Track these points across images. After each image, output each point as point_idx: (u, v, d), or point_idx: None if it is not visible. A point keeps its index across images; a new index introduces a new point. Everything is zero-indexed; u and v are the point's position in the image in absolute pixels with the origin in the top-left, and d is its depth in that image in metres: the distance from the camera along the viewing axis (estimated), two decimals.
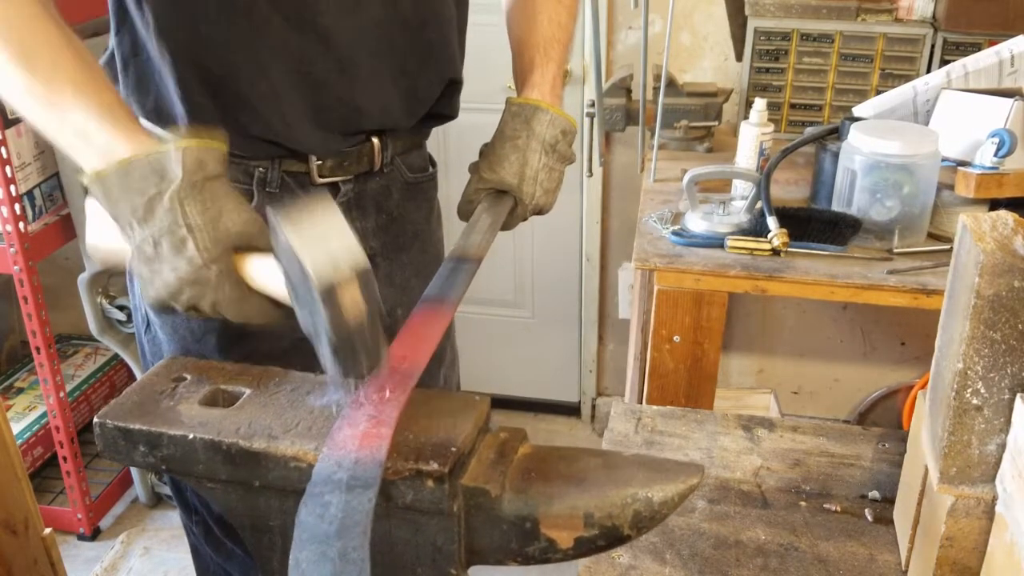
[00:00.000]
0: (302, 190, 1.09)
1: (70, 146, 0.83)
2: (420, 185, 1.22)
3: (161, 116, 1.03)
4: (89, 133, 0.81)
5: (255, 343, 1.10)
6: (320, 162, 1.07)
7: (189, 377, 0.77)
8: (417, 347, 0.76)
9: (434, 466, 0.63)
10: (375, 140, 1.11)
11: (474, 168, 1.14)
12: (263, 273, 0.80)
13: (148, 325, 1.16)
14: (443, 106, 1.17)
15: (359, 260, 0.70)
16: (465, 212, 1.13)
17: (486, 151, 1.14)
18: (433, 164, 1.27)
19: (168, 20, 0.97)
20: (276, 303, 0.81)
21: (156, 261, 0.80)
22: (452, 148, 2.38)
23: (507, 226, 1.12)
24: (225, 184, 0.84)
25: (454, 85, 1.16)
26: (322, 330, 0.70)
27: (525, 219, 1.16)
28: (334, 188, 1.11)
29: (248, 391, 0.74)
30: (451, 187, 1.38)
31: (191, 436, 0.68)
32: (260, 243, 0.82)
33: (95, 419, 0.72)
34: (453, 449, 0.64)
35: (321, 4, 0.99)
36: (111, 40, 1.04)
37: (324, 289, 0.68)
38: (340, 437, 0.65)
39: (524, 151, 1.11)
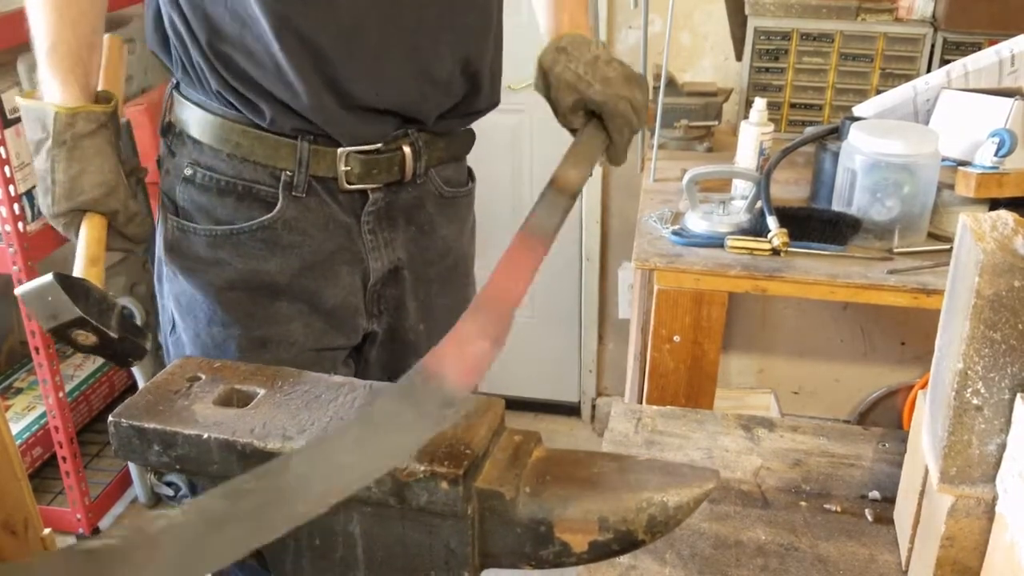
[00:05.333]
0: (329, 196, 1.08)
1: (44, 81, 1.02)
2: (456, 200, 1.20)
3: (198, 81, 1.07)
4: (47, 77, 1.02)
5: (275, 352, 1.10)
6: (347, 168, 1.06)
7: (203, 377, 0.77)
8: (517, 278, 0.75)
9: (448, 468, 0.63)
10: (407, 148, 1.09)
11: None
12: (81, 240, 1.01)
13: (173, 326, 1.16)
14: (470, 103, 1.13)
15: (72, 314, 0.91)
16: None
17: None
18: (472, 179, 1.25)
19: None
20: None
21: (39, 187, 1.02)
22: None
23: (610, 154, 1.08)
24: (97, 142, 1.00)
25: (473, 71, 1.12)
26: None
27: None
28: (363, 196, 1.10)
29: (262, 391, 0.74)
30: None
31: (205, 436, 0.68)
32: (110, 205, 1.01)
33: (110, 418, 0.72)
34: (467, 451, 0.64)
35: None
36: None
37: (50, 332, 0.92)
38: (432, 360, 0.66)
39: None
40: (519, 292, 0.74)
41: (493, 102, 1.18)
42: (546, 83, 1.05)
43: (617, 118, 1.03)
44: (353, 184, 1.08)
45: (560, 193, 0.90)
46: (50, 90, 1.01)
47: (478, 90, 1.14)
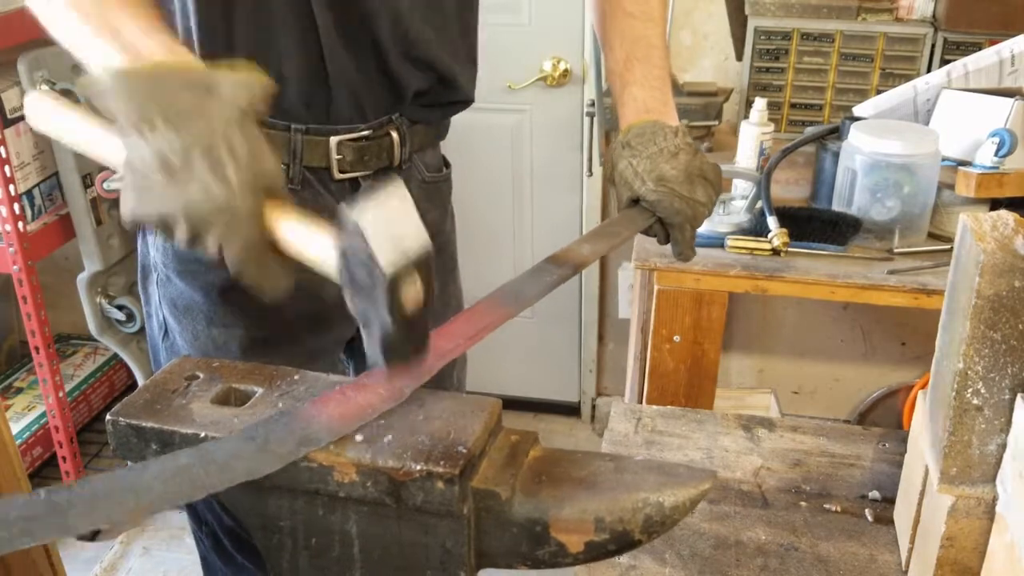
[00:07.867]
0: (322, 186, 1.09)
1: (94, 46, 0.78)
2: (436, 185, 1.22)
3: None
4: (124, 33, 0.77)
5: (276, 351, 1.10)
6: (340, 156, 1.06)
7: (201, 375, 0.77)
8: (455, 337, 0.75)
9: (444, 468, 0.63)
10: (394, 133, 1.10)
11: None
12: (300, 239, 0.74)
13: (166, 332, 1.15)
14: (445, 92, 1.14)
15: (424, 246, 0.69)
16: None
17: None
18: (447, 165, 1.26)
19: None
20: (291, 269, 0.76)
21: (182, 173, 0.72)
22: (449, 148, 2.38)
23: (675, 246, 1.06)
24: (260, 127, 0.78)
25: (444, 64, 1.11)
26: (376, 318, 0.68)
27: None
28: (354, 184, 1.10)
29: (260, 390, 0.74)
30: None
31: (203, 435, 0.68)
32: (282, 197, 0.76)
33: (108, 416, 0.72)
34: (464, 451, 0.64)
35: None
36: None
37: (390, 279, 0.66)
38: (313, 405, 0.67)
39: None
40: (450, 351, 0.74)
41: (468, 97, 1.19)
42: (612, 178, 1.05)
43: (673, 216, 1.01)
44: (345, 172, 1.08)
45: (556, 264, 0.88)
46: (136, 42, 0.77)
47: (450, 80, 1.14)
